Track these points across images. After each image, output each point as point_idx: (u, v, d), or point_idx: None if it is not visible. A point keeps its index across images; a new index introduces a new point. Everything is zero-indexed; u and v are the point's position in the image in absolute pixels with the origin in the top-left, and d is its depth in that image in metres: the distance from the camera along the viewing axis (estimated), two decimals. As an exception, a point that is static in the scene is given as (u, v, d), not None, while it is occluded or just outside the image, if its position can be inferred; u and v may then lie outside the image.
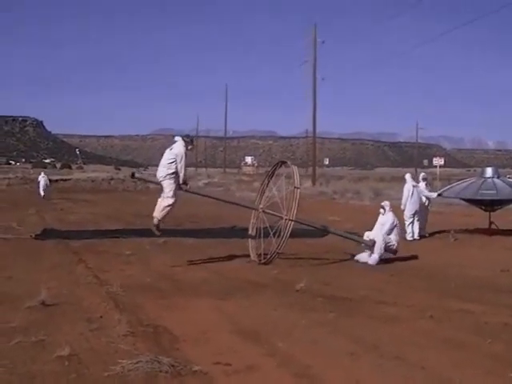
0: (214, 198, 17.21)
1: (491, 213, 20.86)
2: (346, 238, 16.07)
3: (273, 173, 15.93)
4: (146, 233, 13.96)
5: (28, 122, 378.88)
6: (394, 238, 14.83)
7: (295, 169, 14.61)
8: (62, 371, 6.40)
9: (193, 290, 11.00)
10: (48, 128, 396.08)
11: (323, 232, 18.95)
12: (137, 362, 6.51)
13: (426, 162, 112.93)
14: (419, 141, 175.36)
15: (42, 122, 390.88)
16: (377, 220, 15.24)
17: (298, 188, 14.16)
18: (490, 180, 20.57)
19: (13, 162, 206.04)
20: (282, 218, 14.24)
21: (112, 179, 78.19)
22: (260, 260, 14.22)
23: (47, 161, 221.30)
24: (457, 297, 10.60)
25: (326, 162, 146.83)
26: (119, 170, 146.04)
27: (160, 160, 13.78)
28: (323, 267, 14.09)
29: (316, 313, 9.25)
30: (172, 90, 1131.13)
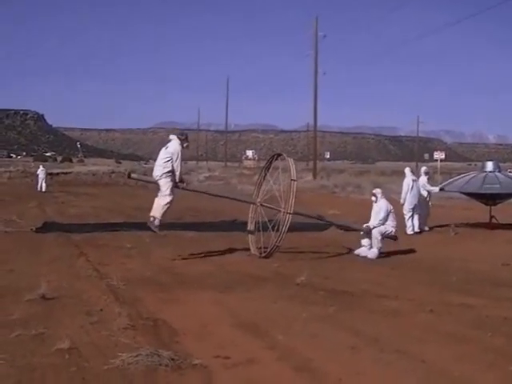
0: (211, 195, 17.15)
1: (492, 207, 20.85)
2: (341, 226, 16.08)
3: (269, 165, 15.88)
4: (146, 226, 13.94)
5: (29, 116, 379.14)
6: (390, 224, 14.80)
7: (291, 161, 14.58)
8: (62, 364, 6.40)
9: (193, 284, 10.99)
10: (49, 121, 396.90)
11: (323, 225, 19.00)
12: (137, 356, 6.50)
13: (426, 156, 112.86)
14: (420, 135, 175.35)
15: (43, 115, 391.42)
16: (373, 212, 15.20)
17: (294, 180, 14.12)
18: (492, 174, 20.56)
19: (14, 156, 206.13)
20: (279, 211, 14.23)
21: (113, 173, 78.20)
22: (260, 253, 14.22)
23: (48, 154, 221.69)
24: (458, 290, 10.59)
25: (327, 155, 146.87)
26: (120, 163, 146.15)
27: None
28: (324, 261, 14.09)
29: (316, 306, 9.24)
30: (173, 84, 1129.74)
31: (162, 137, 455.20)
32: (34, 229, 18.94)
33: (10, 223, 20.29)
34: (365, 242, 14.85)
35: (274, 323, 8.17)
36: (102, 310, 8.80)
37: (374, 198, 15.23)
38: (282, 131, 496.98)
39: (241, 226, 17.46)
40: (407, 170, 20.57)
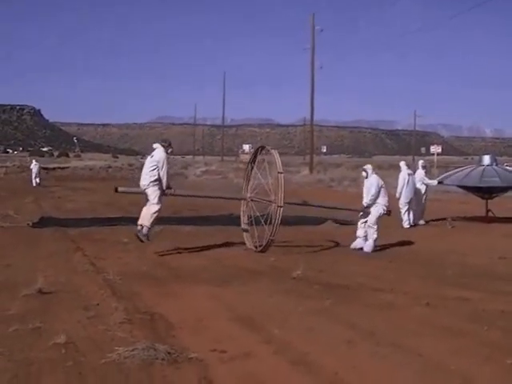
0: (199, 197, 17.02)
1: (488, 200, 20.89)
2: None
3: (254, 158, 15.80)
4: (134, 235, 13.92)
5: (25, 111, 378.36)
6: (382, 203, 14.73)
7: (276, 153, 14.51)
8: (59, 359, 6.41)
9: (190, 278, 11.01)
10: (46, 116, 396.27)
11: (319, 219, 19.04)
12: (133, 350, 6.51)
13: (423, 149, 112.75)
14: (417, 129, 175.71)
15: (39, 110, 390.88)
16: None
17: (281, 173, 14.07)
18: (489, 167, 20.61)
19: (10, 151, 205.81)
20: (271, 203, 14.20)
21: (109, 167, 78.17)
22: (256, 247, 14.22)
23: (45, 149, 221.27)
24: (454, 284, 10.61)
25: (324, 149, 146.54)
26: (117, 158, 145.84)
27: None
28: (319, 255, 14.10)
29: (312, 300, 9.25)
30: (170, 79, 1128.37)
31: (159, 131, 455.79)
32: (31, 224, 18.94)
33: (7, 218, 20.28)
34: (360, 233, 14.83)
35: (270, 317, 8.18)
36: (98, 304, 8.82)
37: (364, 174, 15.19)
38: (279, 125, 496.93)
39: (237, 220, 17.40)
40: (402, 164, 20.54)
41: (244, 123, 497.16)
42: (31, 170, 45.64)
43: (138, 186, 13.70)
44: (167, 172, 13.58)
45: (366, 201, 14.79)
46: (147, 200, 13.56)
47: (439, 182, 21.76)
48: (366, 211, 14.82)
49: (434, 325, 7.90)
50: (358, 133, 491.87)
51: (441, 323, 7.99)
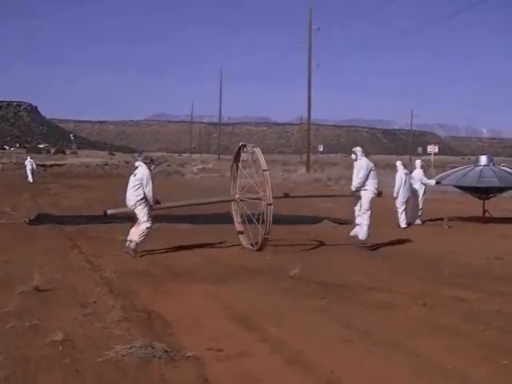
0: (188, 205, 16.92)
1: (485, 200, 20.91)
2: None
3: (237, 157, 15.73)
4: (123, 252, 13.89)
5: (22, 107, 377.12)
6: (372, 186, 14.59)
7: (258, 151, 14.47)
8: (56, 356, 6.41)
9: (186, 276, 11.01)
10: (42, 113, 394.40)
11: (316, 219, 19.09)
12: (130, 348, 6.52)
13: (420, 149, 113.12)
14: (414, 128, 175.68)
15: (36, 107, 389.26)
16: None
17: (266, 170, 14.02)
18: (487, 168, 20.64)
19: (7, 147, 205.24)
20: (260, 201, 14.13)
21: (106, 165, 78.23)
22: (253, 245, 14.21)
23: (41, 146, 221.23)
24: (450, 284, 10.62)
25: (321, 148, 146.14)
26: (113, 155, 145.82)
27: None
28: (316, 253, 14.11)
29: (309, 299, 9.27)
30: (167, 76, 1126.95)
31: (155, 129, 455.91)
32: (28, 221, 18.94)
33: (4, 215, 20.31)
34: (359, 220, 14.75)
35: (266, 316, 8.20)
36: (95, 302, 8.83)
37: (353, 156, 15.00)
38: (276, 124, 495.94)
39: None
40: (399, 164, 20.50)
41: (241, 121, 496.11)
42: (25, 166, 45.56)
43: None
44: (153, 188, 13.43)
45: (354, 184, 14.67)
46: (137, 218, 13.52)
47: (437, 182, 21.78)
48: (355, 195, 14.74)
49: (430, 324, 7.92)
50: (355, 132, 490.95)
51: (437, 323, 8.00)
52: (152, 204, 13.50)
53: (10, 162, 77.11)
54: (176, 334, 7.31)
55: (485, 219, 20.32)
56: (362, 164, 14.74)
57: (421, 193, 20.71)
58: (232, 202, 15.57)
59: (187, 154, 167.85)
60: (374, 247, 14.67)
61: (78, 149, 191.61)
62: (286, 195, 16.31)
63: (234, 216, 15.51)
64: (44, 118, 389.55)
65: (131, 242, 13.30)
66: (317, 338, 7.24)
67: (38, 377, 5.91)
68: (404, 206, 19.64)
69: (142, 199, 13.34)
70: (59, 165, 75.25)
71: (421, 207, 20.60)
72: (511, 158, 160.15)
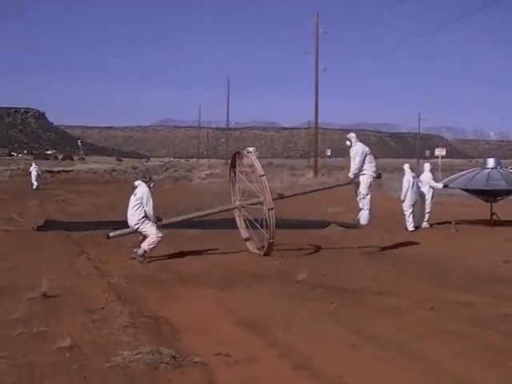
0: (190, 219, 16.90)
1: (493, 203, 20.85)
2: (313, 191, 15.75)
3: (233, 164, 15.72)
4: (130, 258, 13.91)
5: (30, 114, 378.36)
6: (370, 170, 14.62)
7: (254, 157, 14.48)
8: (63, 362, 6.44)
9: (194, 282, 11.03)
10: (50, 119, 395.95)
11: (323, 223, 19.06)
12: (138, 354, 6.53)
13: (427, 152, 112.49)
14: (421, 131, 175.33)
15: (43, 113, 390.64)
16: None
17: (262, 175, 14.03)
18: (495, 171, 20.56)
19: (15, 154, 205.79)
20: (261, 207, 14.13)
21: (114, 170, 78.29)
22: (259, 250, 14.23)
23: (49, 152, 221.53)
24: (457, 288, 10.60)
25: (328, 152, 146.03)
26: (121, 161, 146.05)
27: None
28: (323, 258, 14.10)
29: (316, 304, 9.27)
30: (174, 81, 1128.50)
31: (162, 135, 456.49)
32: (35, 227, 19.00)
33: (11, 222, 20.36)
34: (361, 204, 14.68)
35: (274, 321, 8.21)
36: (103, 308, 8.85)
37: (348, 143, 15.03)
38: (283, 128, 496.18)
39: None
40: (406, 167, 20.48)
41: (248, 126, 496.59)
42: (30, 172, 45.53)
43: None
44: (153, 207, 13.47)
45: (352, 170, 14.66)
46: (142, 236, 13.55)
47: (444, 186, 21.72)
48: (354, 182, 14.71)
49: (437, 328, 7.91)
50: (362, 136, 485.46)
51: (444, 327, 7.99)
52: (154, 221, 13.52)
53: (18, 168, 77.13)
54: (183, 340, 7.32)
55: (492, 222, 20.26)
56: (357, 149, 14.78)
57: (429, 196, 20.67)
58: (234, 211, 15.60)
59: (195, 159, 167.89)
60: (381, 250, 14.65)
61: (86, 155, 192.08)
62: (281, 196, 16.29)
63: (237, 222, 15.52)
64: (51, 124, 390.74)
65: (139, 249, 13.32)
66: (324, 343, 7.24)
67: (44, 383, 5.94)
68: (411, 209, 19.61)
69: (143, 218, 13.39)
70: (67, 171, 75.30)
71: (428, 210, 20.55)
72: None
